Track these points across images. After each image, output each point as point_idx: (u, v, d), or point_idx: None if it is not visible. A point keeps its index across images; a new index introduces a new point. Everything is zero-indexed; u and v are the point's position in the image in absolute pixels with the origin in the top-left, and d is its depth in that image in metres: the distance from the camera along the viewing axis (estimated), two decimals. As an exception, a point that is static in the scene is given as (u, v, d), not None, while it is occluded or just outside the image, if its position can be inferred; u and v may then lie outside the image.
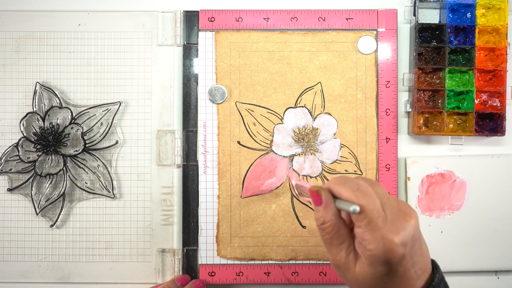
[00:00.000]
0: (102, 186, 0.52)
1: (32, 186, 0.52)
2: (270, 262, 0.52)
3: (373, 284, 0.33)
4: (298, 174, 0.52)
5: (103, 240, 0.52)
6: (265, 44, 0.52)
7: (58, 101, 0.53)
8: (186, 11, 0.53)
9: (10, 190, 0.53)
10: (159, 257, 0.52)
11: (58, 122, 0.53)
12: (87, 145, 0.53)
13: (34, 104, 0.53)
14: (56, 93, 0.53)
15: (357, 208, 0.32)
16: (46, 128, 0.53)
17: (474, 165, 0.52)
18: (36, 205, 0.52)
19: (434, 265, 0.35)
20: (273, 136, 0.52)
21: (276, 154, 0.52)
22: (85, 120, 0.53)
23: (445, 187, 0.52)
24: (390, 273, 0.32)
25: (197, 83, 0.53)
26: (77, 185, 0.52)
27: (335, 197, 0.35)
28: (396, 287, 0.33)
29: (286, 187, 0.52)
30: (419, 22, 0.51)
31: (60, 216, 0.52)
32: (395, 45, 0.52)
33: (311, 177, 0.52)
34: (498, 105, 0.51)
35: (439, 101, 0.51)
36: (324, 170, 0.52)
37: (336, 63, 0.52)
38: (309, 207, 0.52)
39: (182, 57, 0.53)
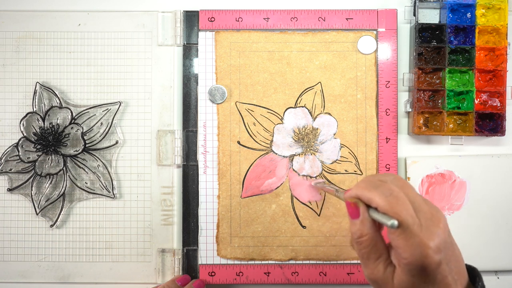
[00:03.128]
0: (102, 186, 0.52)
1: (32, 186, 0.52)
2: (270, 262, 0.52)
3: None
4: (298, 174, 0.52)
5: (103, 240, 0.52)
6: (265, 44, 0.52)
7: (58, 101, 0.53)
8: (186, 11, 0.53)
9: (10, 190, 0.53)
10: (159, 257, 0.52)
11: (58, 122, 0.53)
12: (87, 145, 0.53)
13: (34, 104, 0.53)
14: (56, 93, 0.53)
15: (395, 223, 0.30)
16: (46, 128, 0.53)
17: (474, 165, 0.52)
18: (36, 205, 0.52)
19: (476, 273, 0.34)
20: (273, 136, 0.52)
21: (276, 154, 0.52)
22: (85, 120, 0.53)
23: (445, 187, 0.52)
24: (429, 281, 0.31)
25: (197, 83, 0.53)
26: (77, 185, 0.52)
27: (367, 205, 0.33)
28: (418, 226, 0.31)
29: (286, 187, 0.52)
30: (419, 22, 0.51)
31: (60, 216, 0.52)
32: (395, 45, 0.52)
33: (311, 177, 0.52)
34: (498, 105, 0.51)
35: (439, 101, 0.51)
36: (324, 170, 0.52)
37: (336, 63, 0.52)
38: (309, 207, 0.52)
39: (182, 57, 0.53)
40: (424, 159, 0.52)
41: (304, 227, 0.52)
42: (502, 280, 0.52)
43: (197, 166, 0.52)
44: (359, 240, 0.33)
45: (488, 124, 0.51)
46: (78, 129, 0.53)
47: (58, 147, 0.52)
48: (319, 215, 0.52)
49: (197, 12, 0.53)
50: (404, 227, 0.31)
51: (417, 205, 0.32)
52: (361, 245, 0.33)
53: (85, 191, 0.52)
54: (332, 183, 0.52)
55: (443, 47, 0.51)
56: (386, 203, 0.31)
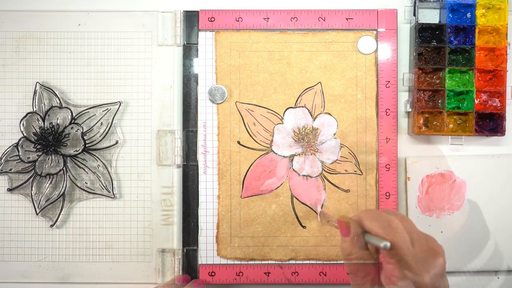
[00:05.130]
0: (102, 186, 0.52)
1: (32, 186, 0.52)
2: (270, 262, 0.52)
3: None
4: (298, 174, 0.52)
5: (103, 240, 0.52)
6: (265, 44, 0.52)
7: (58, 101, 0.53)
8: (186, 11, 0.53)
9: (10, 190, 0.53)
10: (159, 257, 0.52)
11: (58, 122, 0.53)
12: (87, 145, 0.53)
13: (34, 104, 0.53)
14: (56, 93, 0.53)
15: (388, 244, 0.32)
16: (46, 128, 0.53)
17: (474, 165, 0.52)
18: (36, 205, 0.52)
19: None
20: (273, 136, 0.52)
21: (276, 154, 0.52)
22: (85, 120, 0.53)
23: (445, 187, 0.52)
24: (401, 235, 0.33)
25: (197, 83, 0.53)
26: (77, 185, 0.52)
27: (364, 230, 0.35)
28: (408, 246, 0.33)
29: (286, 187, 0.52)
30: (419, 22, 0.51)
31: (60, 216, 0.52)
32: (395, 45, 0.52)
33: (311, 177, 0.52)
34: (498, 105, 0.51)
35: (439, 101, 0.51)
36: (324, 170, 0.52)
37: (336, 63, 0.52)
38: (309, 207, 0.52)
39: (182, 57, 0.53)
40: (424, 159, 0.52)
41: (304, 227, 0.52)
42: (502, 280, 0.52)
43: (197, 166, 0.52)
44: (348, 257, 0.35)
45: (488, 124, 0.51)
46: (78, 129, 0.53)
47: (58, 147, 0.52)
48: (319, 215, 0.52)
49: (197, 12, 0.53)
50: (399, 257, 0.32)
51: (415, 236, 0.34)
52: (351, 264, 0.36)
53: (85, 191, 0.52)
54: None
55: (443, 47, 0.51)
56: (384, 232, 0.33)
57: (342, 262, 0.51)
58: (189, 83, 0.53)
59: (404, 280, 0.32)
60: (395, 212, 0.36)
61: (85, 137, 0.53)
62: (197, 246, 0.52)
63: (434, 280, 0.32)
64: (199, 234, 0.52)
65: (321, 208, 0.51)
